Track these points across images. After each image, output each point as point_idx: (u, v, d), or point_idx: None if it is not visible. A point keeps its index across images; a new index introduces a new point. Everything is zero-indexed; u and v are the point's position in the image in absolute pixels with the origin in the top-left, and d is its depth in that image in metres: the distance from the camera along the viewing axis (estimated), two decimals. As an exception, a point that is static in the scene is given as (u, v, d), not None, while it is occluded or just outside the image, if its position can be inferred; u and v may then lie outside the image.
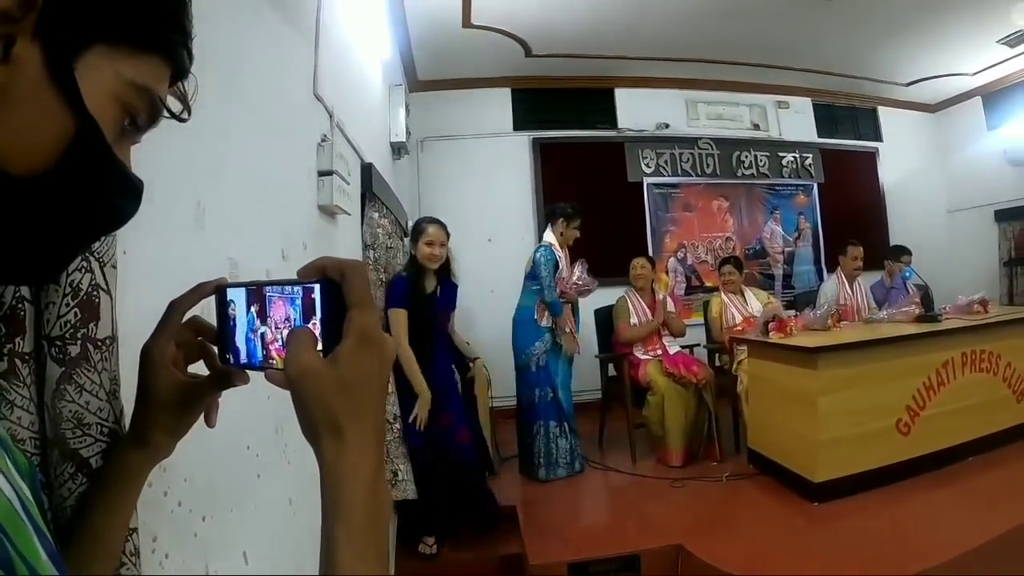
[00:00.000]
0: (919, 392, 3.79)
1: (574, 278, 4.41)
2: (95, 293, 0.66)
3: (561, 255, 4.37)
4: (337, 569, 0.49)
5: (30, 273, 0.50)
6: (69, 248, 0.52)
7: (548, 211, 4.68)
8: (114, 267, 0.70)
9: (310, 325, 0.56)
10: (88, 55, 0.43)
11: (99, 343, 0.67)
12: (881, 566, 2.72)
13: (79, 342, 0.64)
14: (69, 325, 0.64)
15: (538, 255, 4.33)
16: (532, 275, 4.36)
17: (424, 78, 6.21)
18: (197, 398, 0.67)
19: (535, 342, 4.25)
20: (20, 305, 0.61)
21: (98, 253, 0.67)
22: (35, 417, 0.63)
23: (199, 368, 0.69)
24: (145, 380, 0.64)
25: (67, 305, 0.64)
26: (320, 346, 0.54)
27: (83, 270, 0.65)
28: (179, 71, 0.53)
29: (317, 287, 0.55)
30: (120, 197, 0.50)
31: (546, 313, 4.26)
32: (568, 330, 4.29)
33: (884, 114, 8.02)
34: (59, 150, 0.43)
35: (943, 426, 3.82)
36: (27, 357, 0.63)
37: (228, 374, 0.66)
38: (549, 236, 4.48)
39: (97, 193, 0.47)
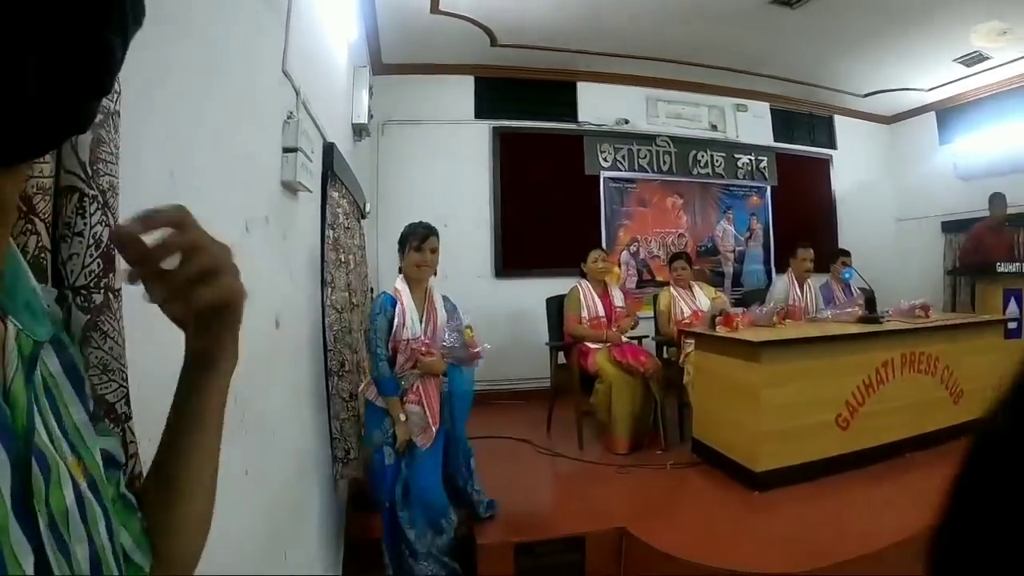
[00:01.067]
0: (858, 389, 3.94)
1: (424, 338, 3.09)
2: (110, 246, 0.70)
3: (406, 302, 3.09)
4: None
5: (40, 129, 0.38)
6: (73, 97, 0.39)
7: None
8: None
9: None
10: None
11: (116, 292, 0.72)
12: (818, 552, 2.83)
13: (102, 291, 0.69)
14: (93, 275, 0.68)
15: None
16: None
17: (389, 61, 6.19)
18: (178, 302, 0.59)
19: (373, 428, 3.02)
20: (43, 255, 0.64)
21: (113, 209, 0.72)
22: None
23: None
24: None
25: (91, 256, 0.68)
26: None
27: (103, 224, 0.69)
28: None
29: None
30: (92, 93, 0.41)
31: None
32: (403, 418, 2.95)
33: (840, 123, 8.29)
34: None
35: (881, 423, 3.97)
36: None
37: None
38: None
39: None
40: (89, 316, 0.67)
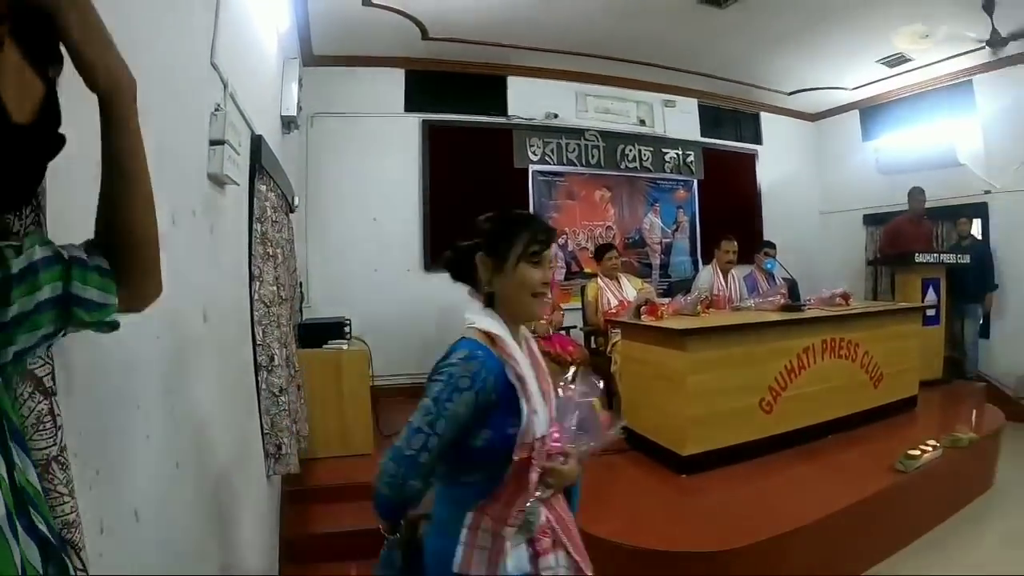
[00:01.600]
0: (781, 374, 4.07)
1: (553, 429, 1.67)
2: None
3: (524, 370, 1.52)
4: None
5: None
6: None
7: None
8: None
9: None
10: None
11: None
12: (742, 530, 2.93)
13: None
14: None
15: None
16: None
17: (320, 53, 6.11)
18: None
19: None
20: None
21: (42, 208, 0.79)
22: None
23: None
24: None
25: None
26: None
27: (36, 224, 0.78)
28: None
29: None
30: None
31: None
32: None
33: (766, 119, 8.60)
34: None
35: (804, 406, 4.13)
36: None
37: None
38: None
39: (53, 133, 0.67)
40: None
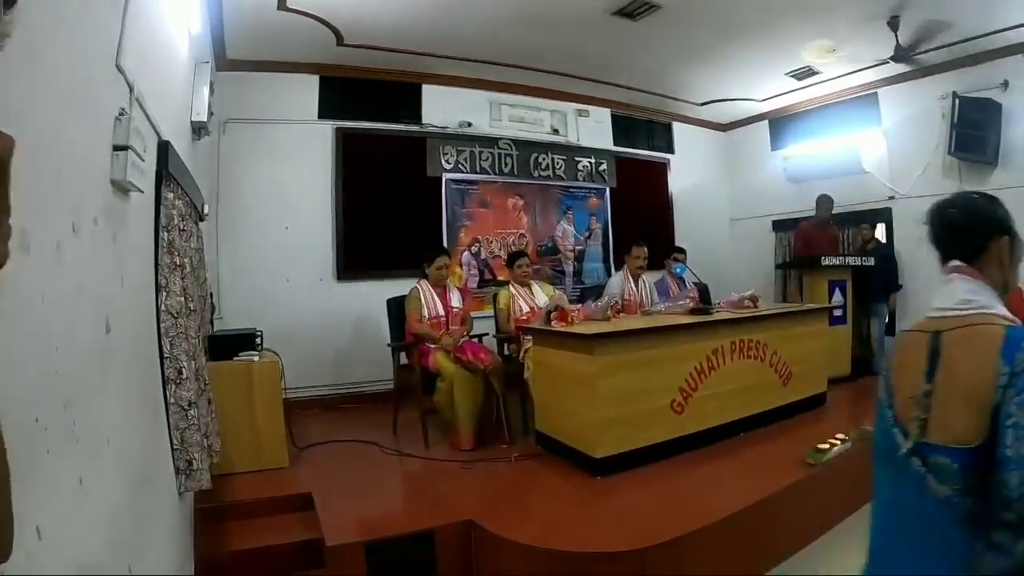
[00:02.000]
0: (691, 376, 4.23)
1: None
2: None
3: None
4: None
5: None
6: None
7: None
8: None
9: None
10: None
11: None
12: (657, 529, 3.02)
13: None
14: None
15: None
16: None
17: (233, 57, 5.98)
18: None
19: None
20: None
21: None
22: None
23: None
24: None
25: None
26: None
27: None
28: None
29: None
30: None
31: None
32: None
33: (678, 129, 8.95)
34: None
35: (714, 406, 4.30)
36: None
37: None
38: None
39: None
40: None
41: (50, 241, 1.43)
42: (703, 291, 5.98)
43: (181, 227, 3.14)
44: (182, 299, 2.99)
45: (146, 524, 2.22)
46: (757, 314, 4.85)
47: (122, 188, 2.12)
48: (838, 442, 3.95)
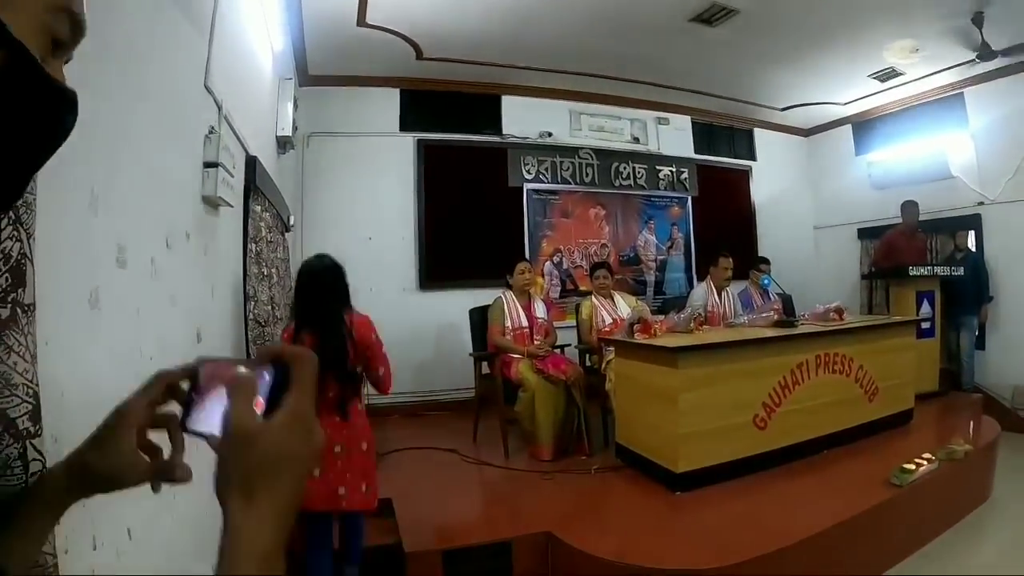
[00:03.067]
0: (775, 390, 4.07)
1: None
2: (23, 261, 0.70)
3: None
4: None
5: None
6: (23, 168, 0.55)
7: None
8: (35, 239, 0.74)
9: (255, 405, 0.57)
10: None
11: (26, 308, 0.71)
12: (736, 547, 2.92)
13: (9, 306, 0.68)
14: (0, 289, 0.67)
15: None
16: None
17: (315, 73, 6.16)
18: (135, 472, 0.68)
19: None
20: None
21: (26, 224, 0.71)
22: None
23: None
24: (110, 431, 0.66)
25: None
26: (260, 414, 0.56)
27: (13, 239, 0.68)
28: None
29: (269, 369, 0.58)
30: (61, 109, 0.55)
31: None
32: None
33: (759, 135, 8.65)
34: None
35: (798, 422, 4.12)
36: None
37: (172, 468, 0.68)
38: None
39: (37, 106, 0.52)
40: None
41: (145, 256, 1.50)
42: (787, 302, 5.78)
43: (268, 238, 3.25)
44: (269, 308, 3.10)
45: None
46: (843, 327, 4.64)
47: (212, 203, 2.21)
48: (925, 462, 3.75)
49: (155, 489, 0.70)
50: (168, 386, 0.68)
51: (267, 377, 0.58)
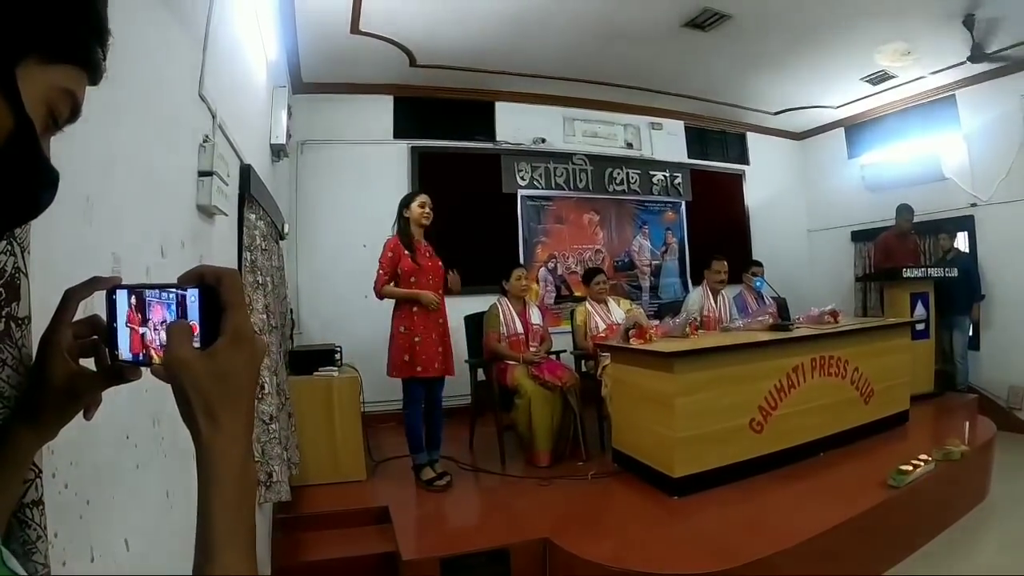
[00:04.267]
0: (771, 394, 4.10)
1: None
2: (16, 275, 0.70)
3: None
4: (212, 535, 0.56)
5: None
6: None
7: None
8: (29, 253, 0.74)
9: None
10: (26, 62, 0.50)
11: (19, 321, 0.70)
12: (734, 551, 2.94)
13: (3, 320, 0.67)
14: None
15: None
16: None
17: (309, 80, 6.19)
18: (86, 389, 0.71)
19: None
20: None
21: (20, 239, 0.71)
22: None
23: (89, 364, 0.73)
24: (42, 363, 0.68)
25: None
26: (197, 343, 0.59)
27: (7, 253, 0.68)
28: (95, 79, 0.60)
29: (195, 292, 0.60)
30: (44, 187, 0.56)
31: None
32: None
33: (752, 139, 8.71)
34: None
35: (794, 425, 4.15)
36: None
37: (120, 369, 0.70)
38: None
39: (27, 182, 0.53)
40: None
41: (140, 266, 1.50)
42: (781, 306, 5.80)
43: (263, 247, 3.24)
44: (264, 316, 3.09)
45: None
46: (838, 330, 4.66)
47: (207, 212, 2.20)
48: (921, 463, 3.77)
49: (88, 417, 0.73)
50: (88, 322, 0.72)
51: (194, 298, 0.60)
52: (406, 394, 4.21)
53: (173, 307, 0.62)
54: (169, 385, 0.61)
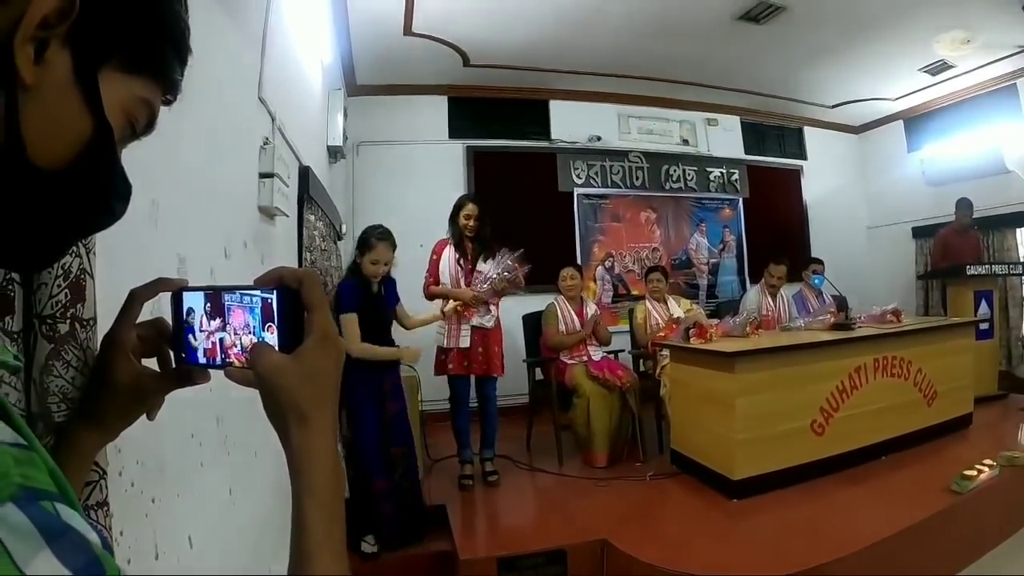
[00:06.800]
0: (832, 395, 3.98)
1: None
2: (82, 276, 0.71)
3: None
4: (309, 534, 0.57)
5: (31, 259, 0.55)
6: (69, 239, 0.58)
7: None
8: (95, 254, 0.75)
9: (266, 329, 0.62)
10: (107, 68, 0.49)
11: (84, 322, 0.71)
12: (794, 556, 2.86)
13: (68, 321, 0.69)
14: (60, 305, 0.68)
15: None
16: None
17: (363, 83, 6.25)
18: (151, 390, 0.71)
19: None
20: (10, 287, 0.66)
21: (85, 240, 0.72)
22: (21, 394, 0.67)
23: (151, 364, 0.73)
24: (105, 364, 0.68)
25: (59, 286, 0.68)
26: (275, 345, 0.61)
27: (73, 255, 0.69)
28: (172, 94, 0.60)
29: (274, 295, 0.61)
30: (117, 197, 0.56)
31: None
32: None
33: (809, 134, 8.46)
34: (77, 149, 0.48)
35: (856, 427, 4.03)
36: (15, 336, 0.67)
37: (188, 372, 0.71)
38: None
39: (102, 191, 0.53)
40: (53, 345, 0.67)
41: (205, 266, 1.52)
42: (842, 304, 5.63)
43: (322, 247, 3.29)
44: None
45: (286, 533, 2.32)
46: (901, 329, 4.50)
47: (268, 213, 2.24)
48: (985, 468, 3.61)
49: (151, 417, 0.73)
50: (153, 324, 0.72)
51: (273, 301, 0.61)
52: (449, 391, 4.30)
53: (257, 311, 0.63)
54: (237, 385, 0.62)
